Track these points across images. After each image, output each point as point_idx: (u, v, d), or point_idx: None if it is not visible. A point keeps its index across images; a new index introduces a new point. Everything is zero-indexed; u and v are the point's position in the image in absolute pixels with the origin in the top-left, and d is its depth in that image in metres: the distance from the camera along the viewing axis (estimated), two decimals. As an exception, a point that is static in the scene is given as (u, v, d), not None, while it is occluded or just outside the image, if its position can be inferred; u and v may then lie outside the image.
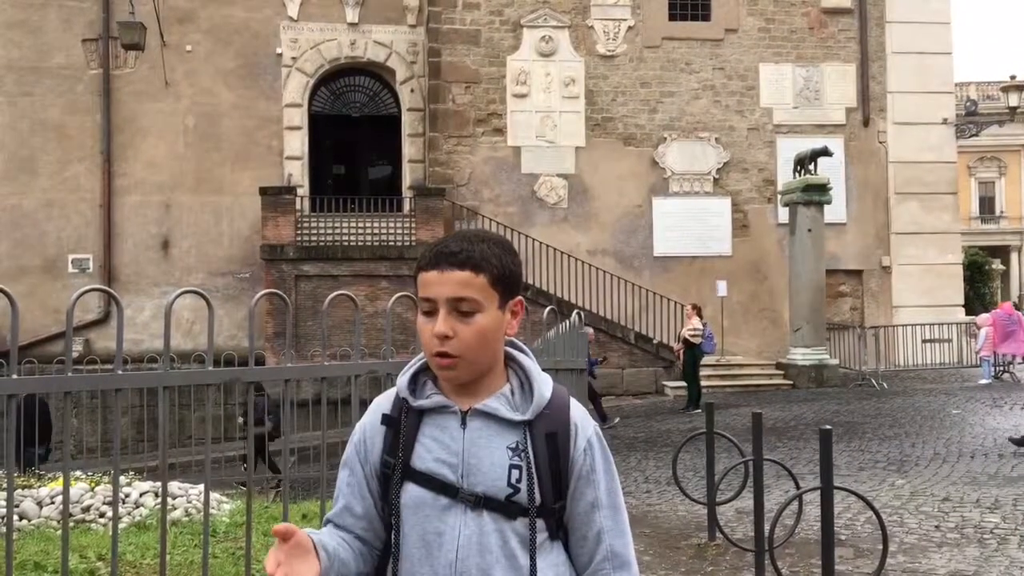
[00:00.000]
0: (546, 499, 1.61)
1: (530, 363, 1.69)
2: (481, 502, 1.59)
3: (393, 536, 1.64)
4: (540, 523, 1.61)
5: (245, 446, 11.20)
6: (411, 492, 1.62)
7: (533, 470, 1.60)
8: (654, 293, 18.37)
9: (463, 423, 1.63)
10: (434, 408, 1.65)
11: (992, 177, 45.64)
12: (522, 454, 1.61)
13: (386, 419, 1.68)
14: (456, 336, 1.58)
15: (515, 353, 1.70)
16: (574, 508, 1.65)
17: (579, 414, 1.68)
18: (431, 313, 1.61)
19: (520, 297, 1.69)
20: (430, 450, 1.63)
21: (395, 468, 1.64)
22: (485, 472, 1.60)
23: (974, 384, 15.88)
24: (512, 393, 1.66)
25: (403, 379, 1.69)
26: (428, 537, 1.60)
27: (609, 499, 1.67)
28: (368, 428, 1.71)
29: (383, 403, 1.72)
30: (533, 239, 18.12)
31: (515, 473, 1.60)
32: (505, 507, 1.59)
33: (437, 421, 1.65)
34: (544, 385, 1.66)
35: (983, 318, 17.11)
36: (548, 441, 1.62)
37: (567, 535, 1.68)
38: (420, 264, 1.64)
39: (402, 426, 1.65)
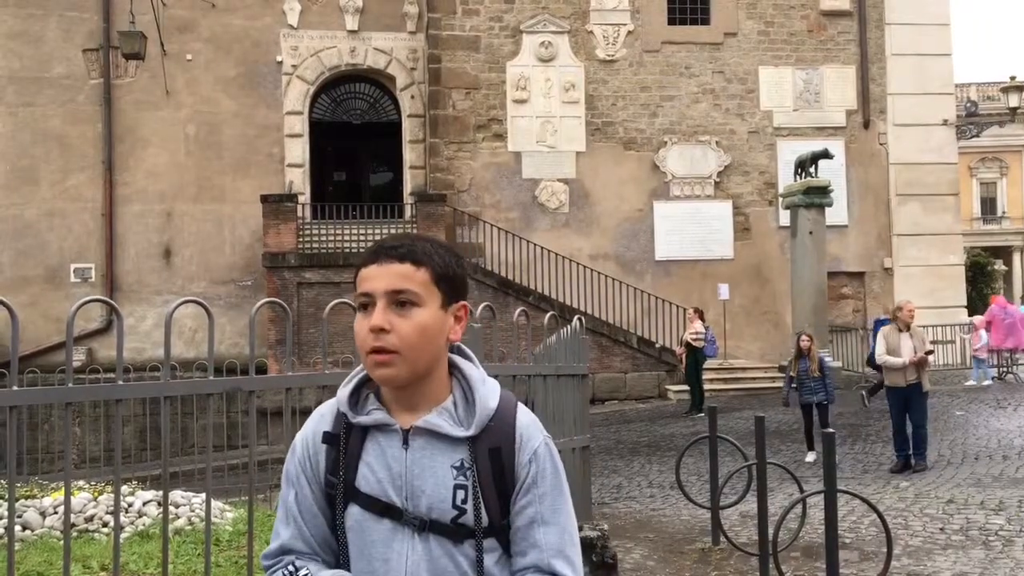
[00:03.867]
0: (493, 518, 1.53)
1: (473, 371, 1.59)
2: (427, 526, 1.51)
3: (340, 559, 1.56)
4: (492, 542, 1.53)
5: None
6: (354, 515, 1.54)
7: (478, 490, 1.51)
8: (656, 297, 18.36)
9: (405, 442, 1.53)
10: (375, 425, 1.56)
11: (993, 178, 45.60)
12: (467, 473, 1.52)
13: (327, 437, 1.58)
14: (393, 330, 1.49)
15: (458, 360, 1.60)
16: (514, 522, 1.54)
17: (526, 423, 1.58)
18: (367, 307, 1.52)
19: (465, 302, 1.60)
20: (373, 470, 1.54)
21: (337, 489, 1.55)
22: (429, 494, 1.51)
23: (977, 385, 15.85)
24: (455, 405, 1.56)
25: (343, 392, 1.58)
26: (375, 564, 1.52)
27: (552, 515, 1.54)
28: (311, 444, 1.60)
29: (326, 417, 1.61)
30: (535, 244, 18.13)
31: (460, 494, 1.51)
32: (451, 530, 1.51)
33: (379, 439, 1.55)
34: (488, 395, 1.57)
35: (979, 320, 17.07)
36: (492, 457, 1.53)
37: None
38: (359, 263, 1.56)
39: (343, 444, 1.56)
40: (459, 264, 1.59)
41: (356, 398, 1.59)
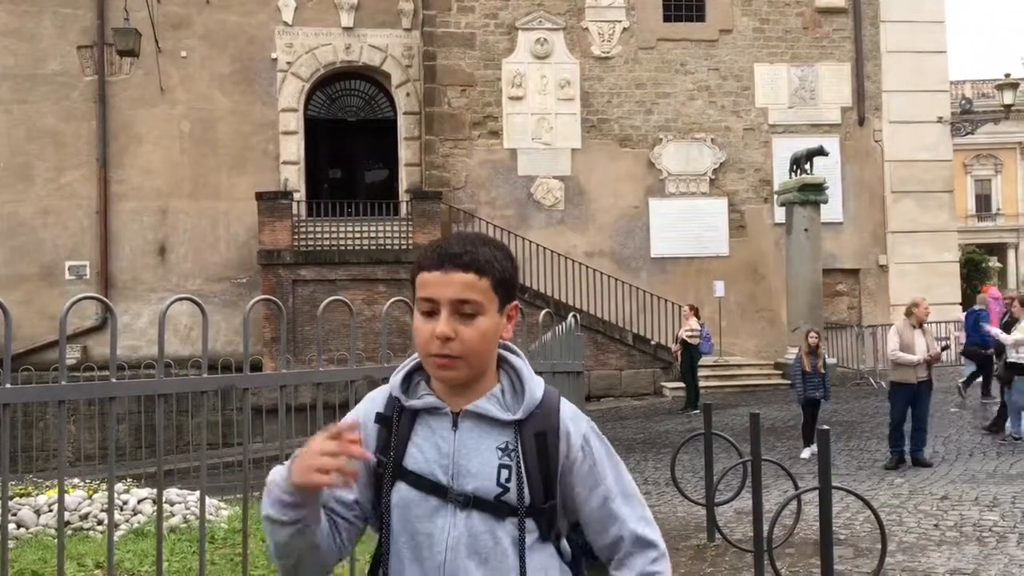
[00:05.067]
0: (536, 499, 1.60)
1: (522, 364, 1.69)
2: (471, 502, 1.58)
3: (383, 536, 1.63)
4: (531, 523, 1.61)
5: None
6: (401, 492, 1.62)
7: (523, 470, 1.59)
8: (652, 294, 18.37)
9: (455, 425, 1.62)
10: (426, 409, 1.65)
11: (988, 175, 45.70)
12: (512, 454, 1.60)
13: (379, 417, 1.67)
14: (458, 337, 1.57)
15: (507, 355, 1.70)
16: (587, 506, 1.65)
17: (570, 414, 1.68)
18: (431, 314, 1.59)
19: (516, 302, 1.68)
20: (422, 450, 1.62)
21: (387, 467, 1.63)
22: (474, 472, 1.59)
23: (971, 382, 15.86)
24: (503, 393, 1.66)
25: (396, 378, 1.68)
26: (418, 538, 1.60)
27: (619, 487, 1.66)
28: (363, 422, 1.69)
29: (377, 400, 1.71)
30: (530, 241, 18.11)
31: (504, 473, 1.59)
32: (494, 507, 1.58)
33: (429, 422, 1.64)
34: (536, 386, 1.66)
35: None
36: (538, 440, 1.62)
37: (559, 538, 1.67)
38: (421, 264, 1.62)
39: (395, 426, 1.65)
40: (513, 266, 1.67)
41: (407, 384, 1.68)
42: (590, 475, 1.64)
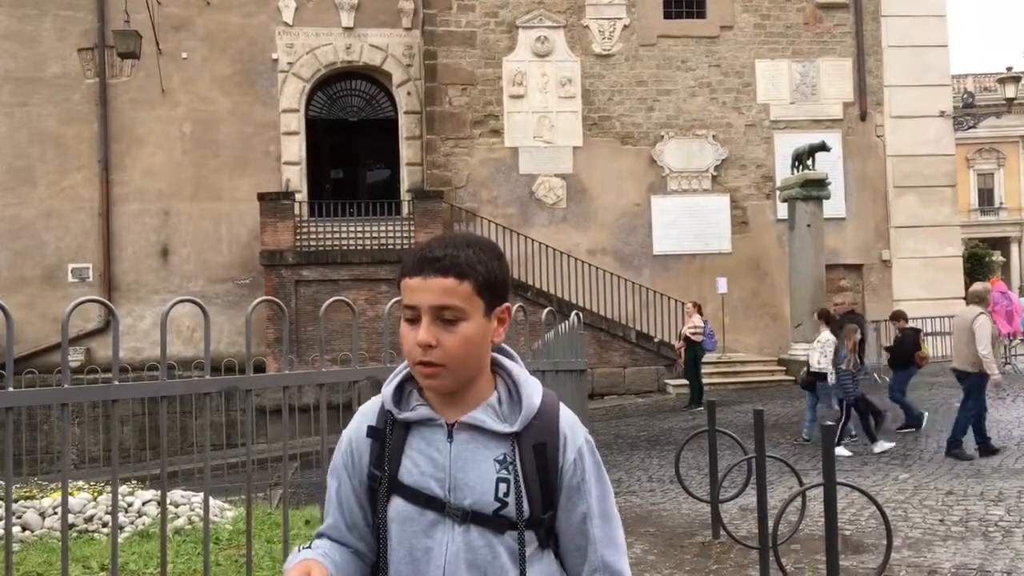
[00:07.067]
0: (535, 510, 1.57)
1: (518, 370, 1.64)
2: (468, 516, 1.55)
3: (381, 551, 1.60)
4: (530, 534, 1.57)
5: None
6: (397, 506, 1.58)
7: (521, 483, 1.56)
8: (654, 292, 18.37)
9: (450, 436, 1.58)
10: (420, 420, 1.60)
11: (991, 169, 45.63)
12: (510, 467, 1.56)
13: (372, 431, 1.63)
14: (440, 345, 1.53)
15: (502, 359, 1.65)
16: (566, 519, 1.61)
17: (569, 422, 1.63)
18: (414, 320, 1.55)
19: (507, 304, 1.63)
20: (417, 464, 1.58)
21: (381, 482, 1.59)
22: (472, 486, 1.55)
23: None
24: (500, 402, 1.61)
25: (388, 389, 1.64)
26: (416, 553, 1.56)
27: (600, 508, 1.62)
28: (354, 439, 1.66)
29: (368, 413, 1.67)
30: (532, 240, 18.12)
31: (502, 487, 1.55)
32: (493, 521, 1.55)
33: (423, 434, 1.60)
34: (533, 393, 1.61)
35: None
36: (536, 452, 1.58)
37: (557, 543, 1.64)
38: (403, 270, 1.58)
39: (388, 438, 1.61)
40: (501, 267, 1.61)
41: (400, 395, 1.64)
42: (577, 490, 1.61)
